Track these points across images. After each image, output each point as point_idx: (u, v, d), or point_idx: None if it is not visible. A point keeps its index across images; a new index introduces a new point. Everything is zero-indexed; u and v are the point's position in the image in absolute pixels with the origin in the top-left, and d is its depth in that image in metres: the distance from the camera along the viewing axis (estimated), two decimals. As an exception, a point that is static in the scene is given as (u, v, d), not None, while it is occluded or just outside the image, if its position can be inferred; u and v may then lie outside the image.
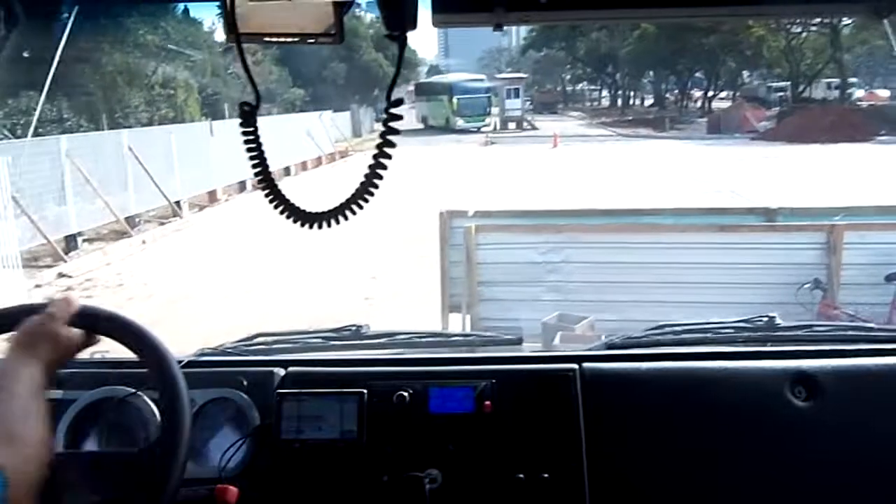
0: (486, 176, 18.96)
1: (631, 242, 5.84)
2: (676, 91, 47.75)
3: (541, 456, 1.63)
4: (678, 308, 5.36)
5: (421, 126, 42.08)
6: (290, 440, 1.66)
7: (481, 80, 42.24)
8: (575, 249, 5.91)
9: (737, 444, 1.62)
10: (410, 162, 23.27)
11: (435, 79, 47.78)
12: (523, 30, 50.84)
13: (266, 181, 1.12)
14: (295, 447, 1.66)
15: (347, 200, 1.11)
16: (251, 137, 1.11)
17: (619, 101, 53.64)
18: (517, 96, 39.64)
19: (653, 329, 1.99)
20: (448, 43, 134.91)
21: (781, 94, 38.75)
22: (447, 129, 38.06)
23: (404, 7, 0.97)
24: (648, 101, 52.87)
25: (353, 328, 2.12)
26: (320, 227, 1.12)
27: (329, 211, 1.12)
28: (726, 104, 41.17)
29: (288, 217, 1.12)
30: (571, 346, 3.89)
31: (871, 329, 2.07)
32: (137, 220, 13.96)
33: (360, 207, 1.11)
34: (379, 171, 1.10)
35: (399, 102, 1.10)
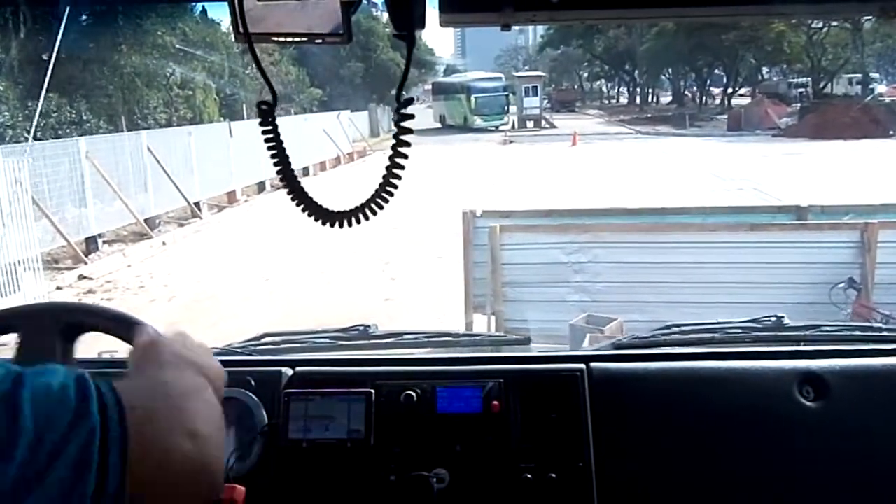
0: (507, 174, 18.87)
1: (659, 242, 5.73)
2: (695, 88, 47.39)
3: (548, 456, 1.63)
4: (708, 308, 5.24)
5: (438, 125, 42.04)
6: (298, 440, 1.66)
7: (499, 78, 42.09)
8: (602, 249, 5.80)
9: (745, 444, 1.61)
10: (430, 161, 23.21)
11: (452, 78, 47.64)
12: (540, 28, 50.63)
13: (288, 179, 1.12)
14: (302, 447, 1.66)
15: (368, 200, 1.11)
16: (271, 136, 1.11)
17: (638, 99, 53.35)
18: (535, 94, 39.47)
19: (660, 329, 1.99)
20: (464, 42, 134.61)
21: (802, 90, 38.46)
22: (465, 127, 37.96)
23: (412, 7, 0.97)
24: (666, 99, 52.52)
25: (361, 328, 2.12)
26: (341, 226, 1.12)
27: (350, 210, 1.12)
28: (745, 101, 40.80)
29: (309, 215, 1.13)
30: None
31: (879, 329, 2.06)
32: (157, 221, 13.97)
33: (381, 207, 1.11)
34: (396, 171, 1.10)
35: (410, 101, 1.09)
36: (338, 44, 1.03)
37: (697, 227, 5.85)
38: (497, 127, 37.64)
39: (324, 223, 1.13)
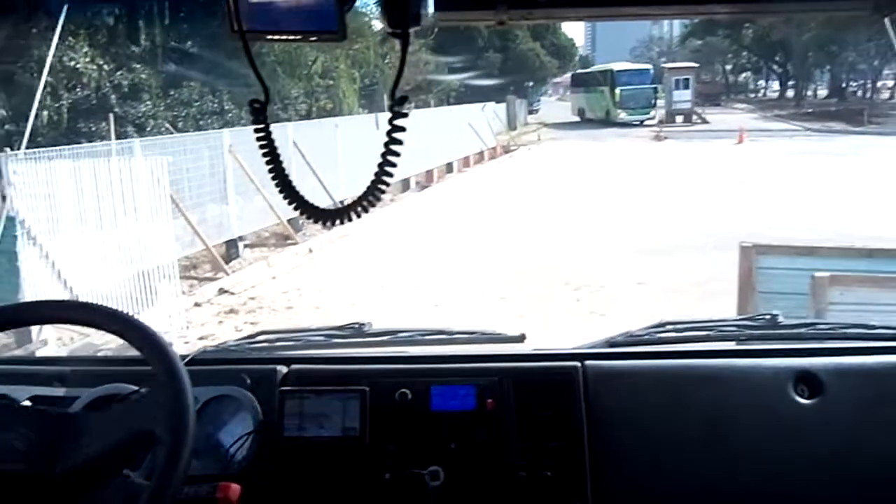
0: (679, 180, 16.60)
1: None
2: (862, 81, 43.42)
3: (543, 454, 1.64)
4: None
5: (577, 119, 40.25)
6: (293, 438, 1.67)
7: (647, 70, 39.21)
8: None
9: (739, 441, 1.61)
10: (583, 159, 21.36)
11: (595, 69, 45.28)
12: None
13: (279, 177, 1.11)
14: (297, 445, 1.67)
15: (359, 198, 1.08)
16: (263, 134, 1.11)
17: (790, 92, 49.66)
18: (686, 87, 36.46)
19: (655, 326, 1.97)
20: (595, 33, 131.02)
21: None
22: (606, 122, 35.70)
23: (406, 5, 0.96)
24: (823, 92, 48.74)
25: (356, 326, 2.04)
26: (332, 224, 1.12)
27: (340, 209, 1.10)
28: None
29: (301, 213, 1.12)
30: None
31: (873, 327, 1.90)
32: (301, 222, 12.72)
33: (372, 205, 1.08)
34: (388, 169, 1.06)
35: (404, 100, 1.03)
36: (332, 41, 1.01)
37: None
38: (642, 122, 35.17)
39: (315, 221, 1.13)
